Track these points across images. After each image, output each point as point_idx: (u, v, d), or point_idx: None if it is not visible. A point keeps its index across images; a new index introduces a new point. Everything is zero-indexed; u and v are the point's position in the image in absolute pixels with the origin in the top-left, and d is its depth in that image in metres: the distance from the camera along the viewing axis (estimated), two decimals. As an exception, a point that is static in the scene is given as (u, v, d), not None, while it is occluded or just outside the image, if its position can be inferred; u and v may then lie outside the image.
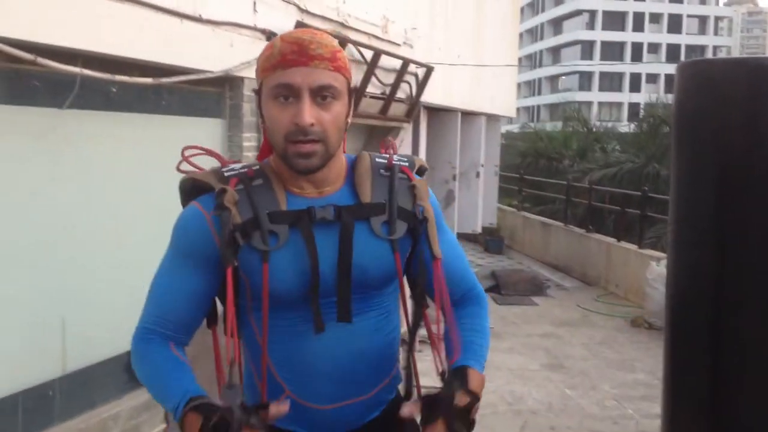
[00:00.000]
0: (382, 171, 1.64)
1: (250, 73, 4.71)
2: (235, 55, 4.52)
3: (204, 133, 4.60)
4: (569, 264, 12.00)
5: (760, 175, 2.85)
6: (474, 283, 1.79)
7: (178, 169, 1.69)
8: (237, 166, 1.63)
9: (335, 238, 1.54)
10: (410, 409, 1.51)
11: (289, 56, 1.48)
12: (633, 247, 10.02)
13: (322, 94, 1.49)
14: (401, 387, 1.72)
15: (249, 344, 1.63)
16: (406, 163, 1.68)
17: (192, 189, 1.66)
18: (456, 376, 1.56)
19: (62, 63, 3.35)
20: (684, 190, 3.10)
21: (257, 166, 1.62)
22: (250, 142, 4.82)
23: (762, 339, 2.88)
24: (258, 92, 1.56)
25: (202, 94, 4.53)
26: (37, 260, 3.47)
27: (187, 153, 1.70)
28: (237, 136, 4.76)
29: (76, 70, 3.45)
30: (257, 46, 4.78)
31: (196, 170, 1.66)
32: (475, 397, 1.54)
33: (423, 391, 1.62)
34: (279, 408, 1.44)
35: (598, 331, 8.22)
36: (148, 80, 3.89)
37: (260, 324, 1.56)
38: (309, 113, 1.47)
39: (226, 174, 1.60)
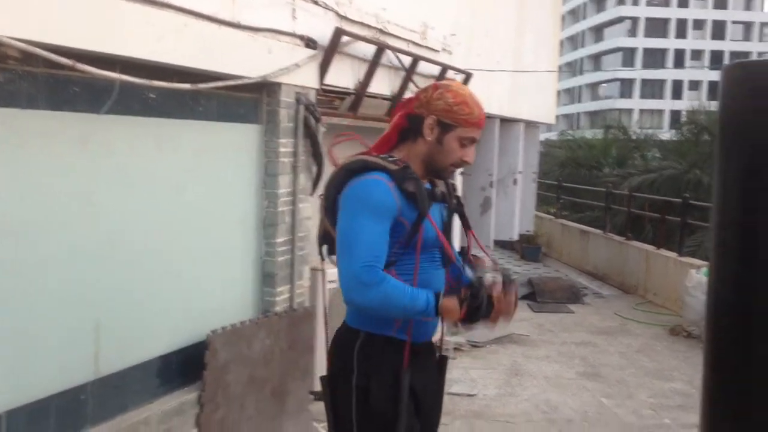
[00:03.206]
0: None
1: (288, 79, 4.74)
2: (273, 61, 4.55)
3: (241, 138, 4.63)
4: (607, 272, 11.87)
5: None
6: None
7: (329, 154, 2.47)
8: (384, 155, 2.32)
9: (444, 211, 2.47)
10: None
11: (482, 122, 2.39)
12: (673, 255, 9.89)
13: None
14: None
15: (403, 272, 2.29)
16: None
17: (362, 168, 2.26)
18: None
19: (101, 68, 3.40)
20: (728, 196, 3.04)
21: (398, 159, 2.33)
22: (286, 147, 4.84)
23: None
24: (441, 124, 2.34)
25: (239, 99, 4.57)
26: (74, 264, 3.51)
27: (338, 140, 2.49)
28: (273, 142, 4.78)
29: (115, 75, 3.49)
30: (296, 53, 4.81)
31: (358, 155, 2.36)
32: None
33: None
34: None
35: (635, 339, 8.12)
36: (186, 86, 3.93)
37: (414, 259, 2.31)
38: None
39: (390, 160, 2.29)
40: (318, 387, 5.25)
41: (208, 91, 4.16)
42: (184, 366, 4.19)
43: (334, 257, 2.41)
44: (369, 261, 2.17)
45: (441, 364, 2.59)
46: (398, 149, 2.41)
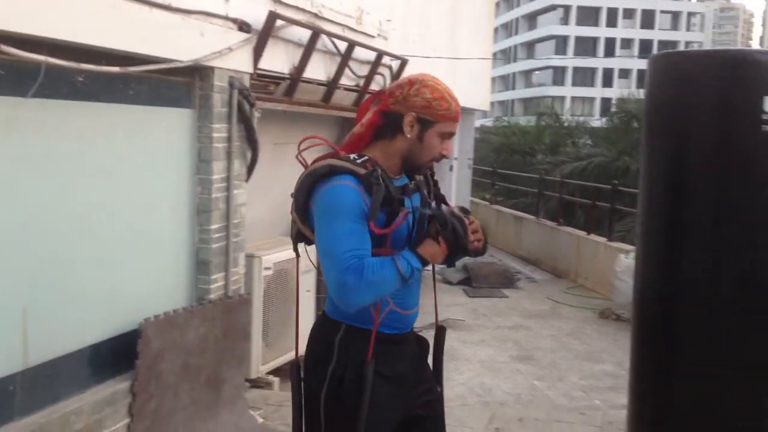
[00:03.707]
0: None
1: (221, 63, 4.67)
2: (205, 44, 4.47)
3: (173, 123, 4.55)
4: (540, 257, 12.09)
5: (730, 168, 2.88)
6: None
7: (298, 159, 2.35)
8: (353, 156, 2.26)
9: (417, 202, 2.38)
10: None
11: (458, 115, 2.41)
12: (602, 240, 10.12)
13: None
14: None
15: None
16: None
17: (329, 173, 2.22)
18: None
19: (26, 51, 3.28)
20: (653, 182, 3.13)
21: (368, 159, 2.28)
22: (220, 132, 4.77)
23: (726, 331, 2.91)
24: (421, 120, 2.32)
25: (171, 84, 4.48)
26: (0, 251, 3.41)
27: (303, 145, 2.33)
28: (206, 127, 4.70)
29: (41, 58, 3.38)
30: (229, 36, 4.74)
31: (325, 158, 2.30)
32: None
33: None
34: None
35: (566, 322, 8.29)
36: (116, 69, 3.83)
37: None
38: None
39: (359, 161, 2.24)
40: (254, 374, 5.25)
41: (139, 74, 4.06)
42: (117, 355, 4.11)
43: (309, 249, 2.45)
44: (354, 256, 2.16)
45: (438, 335, 2.67)
46: (370, 148, 2.38)
